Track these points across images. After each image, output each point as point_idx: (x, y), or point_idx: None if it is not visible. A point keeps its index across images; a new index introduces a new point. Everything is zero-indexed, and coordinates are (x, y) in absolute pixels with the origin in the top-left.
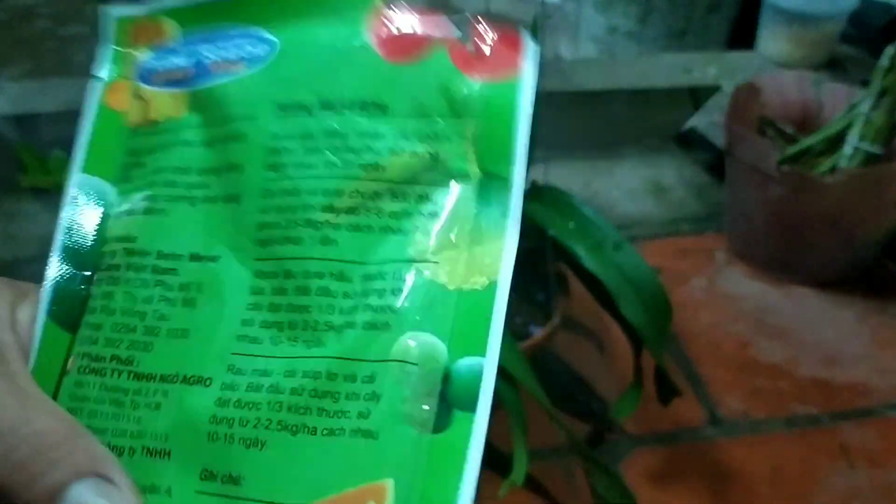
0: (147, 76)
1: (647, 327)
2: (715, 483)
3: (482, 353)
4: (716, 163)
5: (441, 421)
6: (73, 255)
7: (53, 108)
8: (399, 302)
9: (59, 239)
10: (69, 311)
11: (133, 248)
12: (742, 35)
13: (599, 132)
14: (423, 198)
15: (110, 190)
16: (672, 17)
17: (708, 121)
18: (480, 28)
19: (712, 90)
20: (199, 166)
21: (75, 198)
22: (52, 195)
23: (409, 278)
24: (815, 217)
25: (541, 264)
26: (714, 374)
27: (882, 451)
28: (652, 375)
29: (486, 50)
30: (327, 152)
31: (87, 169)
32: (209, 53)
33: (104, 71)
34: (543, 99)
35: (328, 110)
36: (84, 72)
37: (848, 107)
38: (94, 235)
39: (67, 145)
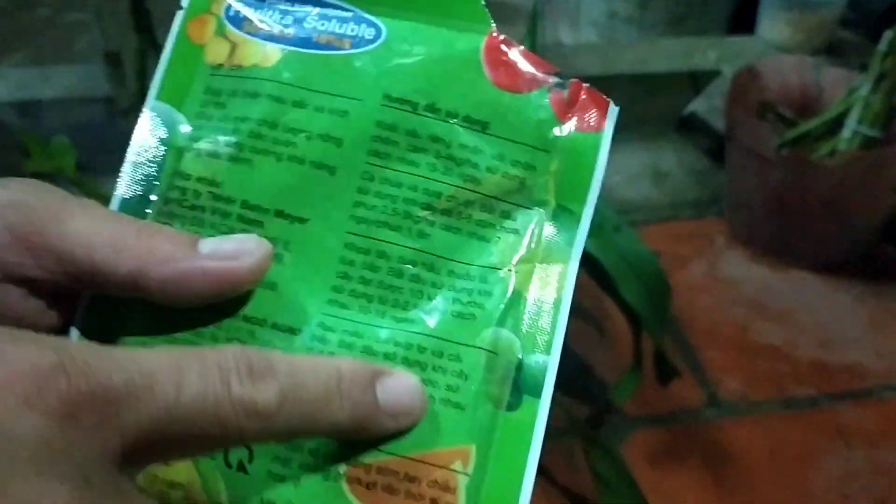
0: (238, 20)
1: (646, 310)
2: (713, 464)
3: (548, 352)
4: (716, 147)
5: (514, 402)
6: (142, 178)
7: (55, 95)
8: (485, 299)
9: (130, 160)
10: None
11: (219, 193)
12: (742, 19)
13: None
14: (507, 214)
15: (184, 121)
16: (672, 2)
17: (708, 105)
18: (576, 85)
19: (713, 75)
20: (289, 125)
21: (149, 122)
22: (55, 180)
23: (493, 281)
24: (814, 201)
25: None
26: (713, 356)
27: (879, 431)
28: (651, 358)
29: (579, 103)
30: (431, 156)
31: (162, 97)
32: (312, 20)
33: (187, 1)
34: None
35: (433, 113)
36: (85, 58)
37: (847, 91)
38: (164, 162)
39: (69, 131)
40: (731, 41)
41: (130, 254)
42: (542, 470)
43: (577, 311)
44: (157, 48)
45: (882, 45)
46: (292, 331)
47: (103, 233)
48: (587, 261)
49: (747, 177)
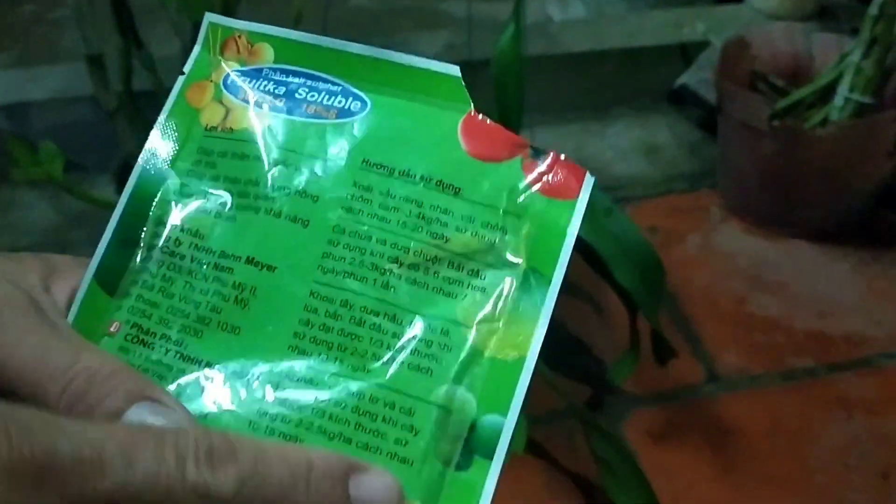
0: (235, 88)
1: (640, 292)
2: (715, 439)
3: (504, 414)
4: (708, 119)
5: (464, 461)
6: (131, 228)
7: (42, 97)
8: (444, 354)
9: (120, 211)
10: (114, 277)
11: (202, 245)
12: None
13: (590, 94)
14: (475, 273)
15: (174, 176)
16: None
17: (699, 77)
18: (553, 156)
19: (702, 46)
20: (272, 183)
21: (140, 174)
22: (45, 187)
23: (454, 337)
24: (808, 170)
25: None
26: (711, 331)
27: (879, 400)
28: (649, 337)
29: (554, 172)
30: (403, 214)
31: (156, 151)
32: (302, 91)
33: (188, 67)
34: (532, 63)
35: (408, 177)
36: (72, 57)
37: (838, 57)
38: (155, 216)
39: (56, 132)
40: (719, 10)
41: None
42: (543, 453)
43: (576, 291)
44: (141, 47)
45: (873, 9)
46: (245, 377)
47: (28, 380)
48: (580, 245)
49: (740, 149)
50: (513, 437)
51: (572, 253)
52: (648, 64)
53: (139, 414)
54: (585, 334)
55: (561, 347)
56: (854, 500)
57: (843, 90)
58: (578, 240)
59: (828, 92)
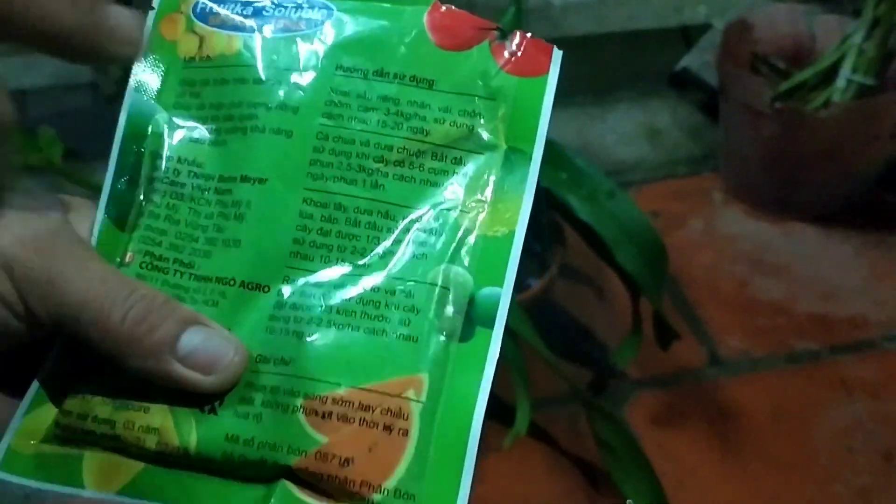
0: (204, 15)
1: (643, 275)
2: (717, 422)
3: (500, 284)
4: (710, 102)
5: (466, 333)
6: (130, 165)
7: (40, 84)
8: (437, 239)
9: (117, 150)
10: (123, 212)
11: (200, 171)
12: None
13: (591, 78)
14: (459, 161)
15: (161, 111)
16: None
17: (701, 60)
18: (520, 35)
19: (704, 28)
20: (252, 101)
21: (129, 114)
22: (44, 173)
23: (445, 222)
24: (810, 153)
25: (535, 216)
26: (714, 314)
27: (881, 382)
28: (651, 320)
29: (523, 51)
30: (381, 113)
31: (141, 90)
32: (269, 9)
33: (157, 1)
34: None
35: (381, 77)
36: None
37: (841, 38)
38: (149, 150)
39: (55, 119)
40: None
41: (111, 339)
42: (546, 436)
43: (576, 275)
44: None
45: None
46: (260, 288)
47: (92, 308)
48: (582, 228)
49: (742, 131)
50: (517, 412)
51: (574, 237)
52: (650, 47)
53: (193, 338)
54: (588, 318)
55: (563, 331)
56: (857, 481)
57: (845, 72)
58: (580, 222)
59: (830, 74)
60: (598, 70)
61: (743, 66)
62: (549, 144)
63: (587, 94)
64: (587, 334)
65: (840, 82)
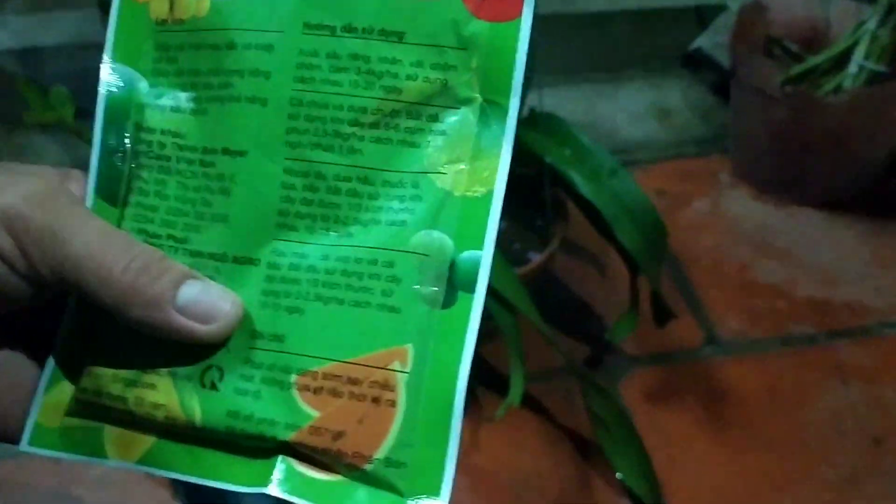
0: None
1: (642, 253)
2: (711, 401)
3: (480, 248)
4: (722, 84)
5: (448, 299)
6: (114, 139)
7: (56, 42)
8: (416, 204)
9: (100, 124)
10: (113, 189)
11: (184, 143)
12: None
13: (603, 55)
14: (434, 118)
15: (141, 78)
16: None
17: (714, 41)
18: None
19: (719, 9)
20: (227, 68)
21: (111, 84)
22: (57, 131)
23: (424, 186)
24: (818, 138)
25: (538, 191)
26: (713, 295)
27: (876, 368)
28: (649, 298)
29: None
30: (352, 73)
31: (118, 58)
32: None
33: None
34: (546, 24)
35: (350, 33)
36: (85, 3)
37: (856, 24)
38: (133, 122)
39: (70, 78)
40: None
41: (114, 290)
42: (540, 408)
43: (577, 251)
44: None
45: None
46: (252, 262)
47: (95, 260)
48: (584, 205)
49: (752, 114)
50: (511, 382)
51: (577, 213)
52: (663, 26)
53: (192, 287)
54: (586, 293)
55: (561, 305)
56: (846, 463)
57: (857, 58)
58: (583, 199)
59: (843, 59)
60: (610, 48)
61: (756, 49)
62: (555, 121)
63: (599, 71)
64: (586, 309)
65: (852, 68)
